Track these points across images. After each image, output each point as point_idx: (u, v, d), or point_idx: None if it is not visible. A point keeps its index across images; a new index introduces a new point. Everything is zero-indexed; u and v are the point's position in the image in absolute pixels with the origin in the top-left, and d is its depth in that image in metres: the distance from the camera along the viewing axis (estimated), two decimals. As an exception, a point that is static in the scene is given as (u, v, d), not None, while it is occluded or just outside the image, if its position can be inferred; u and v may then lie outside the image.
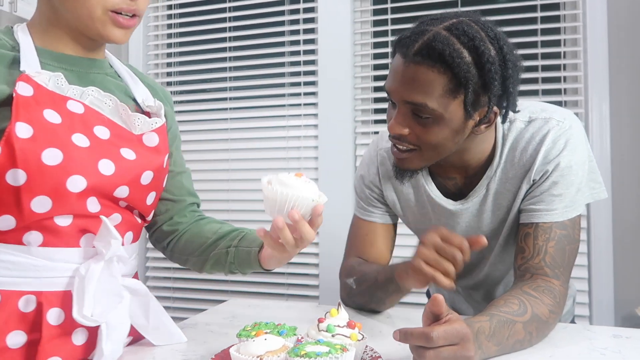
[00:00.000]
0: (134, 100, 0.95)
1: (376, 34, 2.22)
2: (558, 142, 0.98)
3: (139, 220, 0.95)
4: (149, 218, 0.97)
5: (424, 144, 0.96)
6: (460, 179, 1.08)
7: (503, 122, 0.99)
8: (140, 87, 0.98)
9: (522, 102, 1.05)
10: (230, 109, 2.39)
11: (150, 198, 0.93)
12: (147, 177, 0.89)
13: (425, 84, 0.91)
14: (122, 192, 0.86)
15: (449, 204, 1.08)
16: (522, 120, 1.03)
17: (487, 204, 1.05)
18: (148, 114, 0.95)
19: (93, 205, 0.83)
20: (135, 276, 0.96)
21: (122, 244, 0.86)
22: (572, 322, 1.27)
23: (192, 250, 1.02)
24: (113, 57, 0.98)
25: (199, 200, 1.11)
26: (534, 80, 2.01)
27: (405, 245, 1.96)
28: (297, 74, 2.31)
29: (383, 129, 1.19)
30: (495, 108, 0.95)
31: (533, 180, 1.00)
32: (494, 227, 1.08)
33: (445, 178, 1.09)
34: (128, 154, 0.87)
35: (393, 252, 1.22)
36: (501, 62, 0.90)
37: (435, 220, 1.10)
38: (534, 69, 2.00)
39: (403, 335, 0.74)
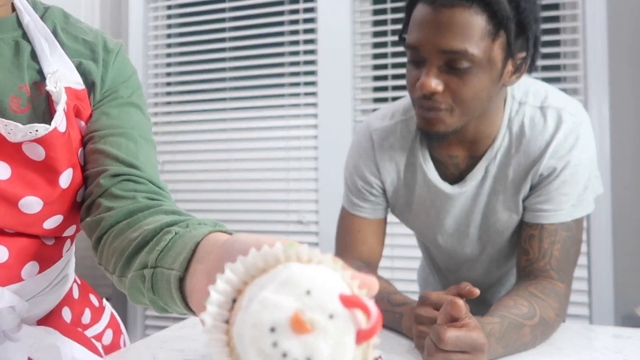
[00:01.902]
0: (42, 73, 0.69)
1: (376, 34, 2.21)
2: (569, 138, 0.94)
3: (50, 242, 0.72)
4: (68, 234, 0.74)
5: (460, 100, 0.88)
6: (462, 158, 1.02)
7: (530, 72, 0.94)
8: (58, 55, 0.71)
9: (525, 80, 1.01)
10: (230, 108, 2.38)
11: (51, 222, 0.69)
12: (31, 205, 0.66)
13: (464, 27, 0.84)
14: None
15: (446, 187, 1.03)
16: (533, 106, 0.97)
17: (485, 187, 1.01)
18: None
19: None
20: (68, 302, 0.81)
21: (20, 280, 0.69)
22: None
23: (114, 263, 0.60)
24: (31, 12, 0.72)
25: (150, 176, 0.69)
26: (534, 80, 2.00)
27: (405, 245, 1.97)
28: (297, 74, 2.31)
29: (376, 106, 1.14)
30: (524, 54, 0.90)
31: (540, 175, 0.96)
32: (488, 214, 1.04)
33: (447, 157, 1.03)
34: None
35: (384, 247, 1.17)
36: (533, 2, 0.87)
37: (430, 204, 1.06)
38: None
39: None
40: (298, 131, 2.28)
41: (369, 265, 1.12)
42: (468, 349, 0.72)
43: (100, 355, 0.83)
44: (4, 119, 0.63)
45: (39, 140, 0.65)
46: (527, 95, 0.98)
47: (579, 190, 0.96)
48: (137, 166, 0.69)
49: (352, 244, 1.12)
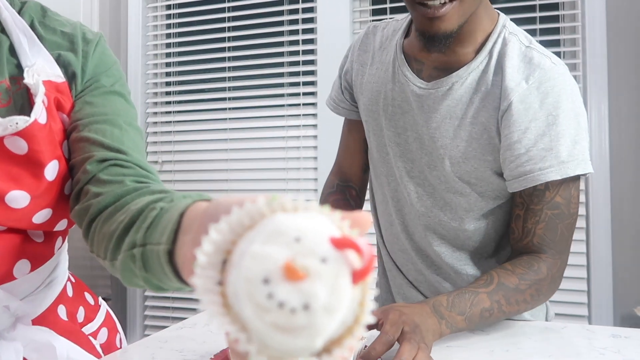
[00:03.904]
0: (19, 67, 0.69)
1: (375, 34, 2.22)
2: (545, 83, 0.89)
3: (40, 240, 0.72)
4: (59, 229, 0.73)
5: None
6: (428, 67, 0.97)
7: None
8: (37, 49, 0.71)
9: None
10: (230, 109, 2.38)
11: (40, 216, 0.68)
12: (17, 199, 0.65)
13: None
14: None
15: (416, 81, 0.98)
16: (521, 41, 0.93)
17: (443, 105, 0.96)
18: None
19: None
20: (63, 300, 0.81)
21: (13, 279, 0.68)
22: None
23: (104, 248, 0.59)
24: (8, 8, 0.72)
25: (137, 160, 0.68)
26: (533, 80, 2.01)
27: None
28: (297, 74, 2.31)
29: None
30: None
31: (508, 114, 0.89)
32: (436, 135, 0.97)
33: (415, 60, 0.99)
34: None
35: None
36: None
37: (391, 100, 1.03)
38: (533, 69, 2.00)
39: (366, 356, 0.75)
40: (297, 131, 2.28)
41: (348, 181, 1.21)
42: (393, 337, 0.76)
43: (98, 354, 0.83)
44: None
45: (20, 134, 0.64)
46: (519, 32, 0.95)
47: (566, 144, 0.89)
48: (123, 151, 0.68)
49: (342, 155, 1.26)
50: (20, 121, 0.64)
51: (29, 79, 0.67)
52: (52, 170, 0.68)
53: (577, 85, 0.93)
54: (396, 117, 1.03)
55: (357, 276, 0.27)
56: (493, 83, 0.92)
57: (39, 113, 0.66)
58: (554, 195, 0.92)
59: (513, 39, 0.94)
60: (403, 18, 1.08)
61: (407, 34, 1.05)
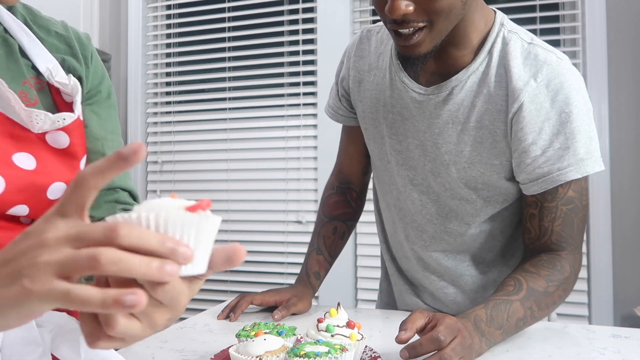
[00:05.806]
0: (34, 68, 0.71)
1: (375, 34, 2.22)
2: (554, 80, 0.88)
3: None
4: None
5: (435, 14, 0.82)
6: (426, 71, 0.95)
7: None
8: (44, 51, 0.73)
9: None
10: (230, 109, 2.39)
11: None
12: (57, 191, 0.68)
13: None
14: (20, 210, 0.66)
15: (414, 87, 0.97)
16: (522, 39, 0.92)
17: (444, 110, 0.94)
18: (57, 92, 0.72)
19: None
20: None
21: None
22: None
23: None
24: (3, 10, 0.72)
25: (128, 186, 0.78)
26: (533, 80, 2.01)
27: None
28: (297, 74, 2.31)
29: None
30: None
31: (518, 117, 0.88)
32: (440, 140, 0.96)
33: (412, 69, 0.96)
34: (25, 161, 0.66)
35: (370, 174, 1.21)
36: None
37: (390, 107, 1.01)
38: (533, 69, 2.00)
39: (412, 350, 0.74)
40: (297, 131, 2.28)
41: (348, 183, 1.21)
42: (456, 333, 0.75)
43: None
44: (34, 109, 0.66)
45: (64, 128, 0.68)
46: (519, 30, 0.94)
47: (583, 140, 0.88)
48: (129, 189, 0.79)
49: (341, 157, 1.25)
50: (67, 117, 0.68)
51: (61, 77, 0.71)
52: (84, 163, 0.72)
53: (582, 78, 0.92)
54: (396, 124, 1.01)
55: (191, 208, 0.40)
56: (496, 85, 0.91)
57: (80, 110, 0.71)
58: (567, 190, 0.91)
59: (514, 37, 0.92)
60: None
61: None
